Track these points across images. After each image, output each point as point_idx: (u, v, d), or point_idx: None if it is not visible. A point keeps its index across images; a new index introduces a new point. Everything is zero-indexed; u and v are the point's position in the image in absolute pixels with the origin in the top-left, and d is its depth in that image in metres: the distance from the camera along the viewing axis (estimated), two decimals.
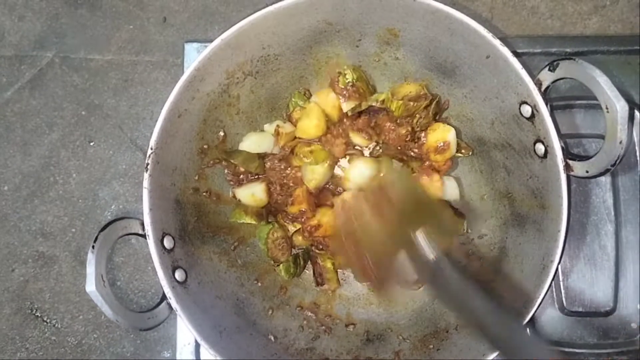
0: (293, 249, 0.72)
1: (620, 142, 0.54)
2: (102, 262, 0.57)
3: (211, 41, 0.60)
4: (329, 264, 0.72)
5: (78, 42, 0.83)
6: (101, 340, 0.77)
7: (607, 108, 0.54)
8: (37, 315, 0.78)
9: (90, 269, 0.56)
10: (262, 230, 0.71)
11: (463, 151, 0.70)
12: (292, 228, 0.73)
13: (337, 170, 0.73)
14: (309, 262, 0.74)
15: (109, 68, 0.82)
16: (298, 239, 0.72)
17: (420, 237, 0.56)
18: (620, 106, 0.53)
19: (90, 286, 0.55)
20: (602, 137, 0.57)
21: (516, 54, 0.58)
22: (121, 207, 0.79)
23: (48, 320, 0.78)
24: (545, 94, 0.59)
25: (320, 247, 0.72)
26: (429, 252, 0.56)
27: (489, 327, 0.52)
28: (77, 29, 0.83)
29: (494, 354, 0.57)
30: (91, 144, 0.81)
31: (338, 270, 0.73)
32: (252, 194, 0.70)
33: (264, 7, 0.60)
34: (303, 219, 0.71)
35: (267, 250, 0.71)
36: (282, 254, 0.71)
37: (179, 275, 0.60)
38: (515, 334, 0.52)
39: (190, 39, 0.79)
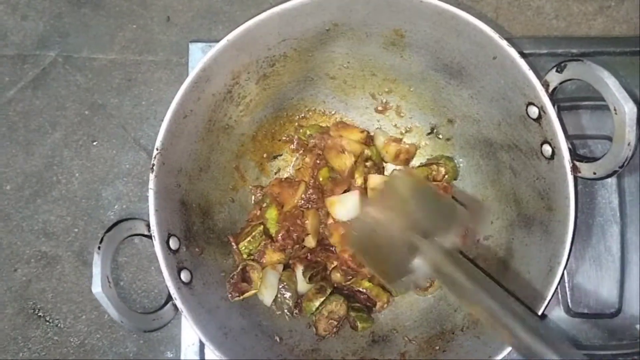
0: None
1: (629, 144, 0.54)
2: (107, 263, 0.57)
3: (216, 41, 0.59)
4: (366, 284, 0.69)
5: (81, 42, 0.82)
6: (104, 340, 0.77)
7: (615, 110, 0.54)
8: (40, 315, 0.77)
9: (96, 270, 0.56)
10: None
11: None
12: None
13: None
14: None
15: (112, 67, 0.82)
16: (336, 276, 0.70)
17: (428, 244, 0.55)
18: (629, 108, 0.53)
19: (97, 287, 0.56)
20: (609, 138, 0.56)
21: (523, 55, 0.57)
22: (124, 206, 0.79)
23: (50, 320, 0.77)
24: (552, 96, 0.59)
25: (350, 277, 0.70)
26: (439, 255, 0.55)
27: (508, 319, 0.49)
28: (80, 28, 0.83)
29: (500, 356, 0.57)
30: (94, 143, 0.80)
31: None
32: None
33: (268, 7, 0.59)
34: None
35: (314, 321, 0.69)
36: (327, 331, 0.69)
37: (184, 276, 0.60)
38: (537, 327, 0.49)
39: (194, 39, 0.79)
